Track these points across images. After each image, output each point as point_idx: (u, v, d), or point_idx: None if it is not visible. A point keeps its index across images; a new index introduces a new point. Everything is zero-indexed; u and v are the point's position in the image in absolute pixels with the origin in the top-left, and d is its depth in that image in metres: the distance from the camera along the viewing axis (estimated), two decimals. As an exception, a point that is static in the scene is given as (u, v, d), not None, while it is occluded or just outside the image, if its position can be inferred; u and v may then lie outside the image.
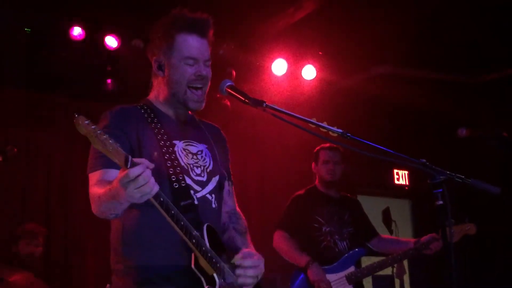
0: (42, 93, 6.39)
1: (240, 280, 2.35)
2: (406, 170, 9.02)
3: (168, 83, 2.50)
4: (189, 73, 2.45)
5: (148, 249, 2.32)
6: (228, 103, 6.72)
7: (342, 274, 4.53)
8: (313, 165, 4.94)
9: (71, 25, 5.70)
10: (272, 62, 6.69)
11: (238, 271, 2.35)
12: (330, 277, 4.48)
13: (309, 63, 6.83)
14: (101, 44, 5.91)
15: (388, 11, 5.94)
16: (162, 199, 2.08)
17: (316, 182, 4.93)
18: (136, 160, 1.96)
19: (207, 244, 2.25)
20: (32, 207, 6.01)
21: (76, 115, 1.85)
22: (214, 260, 2.25)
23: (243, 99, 2.45)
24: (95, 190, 2.24)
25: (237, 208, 2.76)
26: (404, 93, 7.34)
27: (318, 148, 4.92)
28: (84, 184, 2.43)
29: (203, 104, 2.54)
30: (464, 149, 6.94)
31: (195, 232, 2.18)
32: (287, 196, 4.95)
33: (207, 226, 2.33)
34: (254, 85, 6.72)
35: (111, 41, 5.91)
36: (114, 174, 2.18)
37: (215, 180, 2.54)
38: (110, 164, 2.19)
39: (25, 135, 6.18)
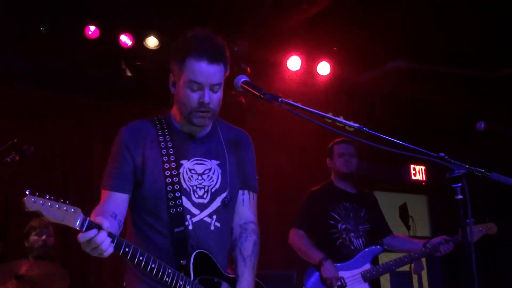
0: (59, 91, 6.43)
1: None
2: (423, 165, 8.95)
3: (177, 101, 2.56)
4: (192, 98, 2.47)
5: (140, 278, 2.48)
6: (243, 100, 6.72)
7: (358, 271, 4.51)
8: (327, 160, 4.91)
9: (86, 24, 5.72)
10: (287, 58, 6.67)
11: None
12: (345, 274, 4.46)
13: (323, 59, 6.80)
14: (115, 42, 5.93)
15: (403, 5, 5.90)
16: (127, 250, 2.18)
17: (332, 177, 4.89)
18: (94, 222, 2.09)
19: (191, 275, 2.38)
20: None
21: (28, 193, 1.97)
22: None
23: (259, 94, 2.43)
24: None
25: (252, 221, 2.72)
26: (420, 88, 7.30)
27: (331, 144, 4.90)
28: (101, 179, 2.55)
29: (209, 121, 2.56)
30: (483, 143, 6.88)
31: (169, 270, 2.30)
32: (303, 192, 4.92)
33: (196, 255, 2.43)
34: (269, 81, 6.71)
35: (125, 39, 5.93)
36: (117, 198, 2.43)
37: (220, 198, 2.56)
38: (117, 187, 2.44)
39: (42, 134, 6.22)
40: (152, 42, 6.07)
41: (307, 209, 4.76)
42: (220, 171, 2.59)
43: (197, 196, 2.50)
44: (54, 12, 5.63)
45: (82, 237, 2.06)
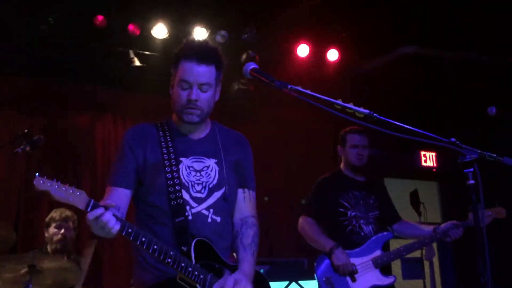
0: (68, 81, 6.46)
1: None
2: (433, 151, 8.92)
3: (171, 102, 2.76)
4: (181, 96, 2.67)
5: (149, 264, 2.63)
6: (252, 88, 6.71)
7: (368, 258, 4.50)
8: (339, 148, 4.87)
9: (95, 14, 5.73)
10: (296, 45, 6.65)
11: None
12: (356, 260, 4.46)
13: (332, 46, 6.77)
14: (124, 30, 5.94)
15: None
16: (130, 231, 2.34)
17: (341, 165, 4.87)
18: (101, 203, 2.28)
19: (193, 259, 2.52)
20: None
21: (37, 175, 2.17)
22: (196, 273, 2.49)
23: (268, 81, 2.45)
24: None
25: (252, 215, 2.89)
26: (430, 73, 7.24)
27: (345, 131, 4.84)
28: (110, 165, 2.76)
29: (197, 118, 2.70)
30: (494, 128, 6.83)
31: (172, 252, 2.44)
32: (313, 179, 4.91)
33: (197, 241, 2.57)
34: (278, 69, 6.68)
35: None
36: (120, 193, 2.62)
37: (217, 194, 2.72)
38: (120, 182, 2.64)
39: (53, 123, 6.26)
40: (160, 31, 6.05)
41: (317, 197, 4.75)
42: (217, 168, 2.76)
43: (195, 190, 2.67)
44: (63, 3, 5.63)
45: (90, 214, 2.22)
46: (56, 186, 2.19)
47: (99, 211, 2.24)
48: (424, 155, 8.87)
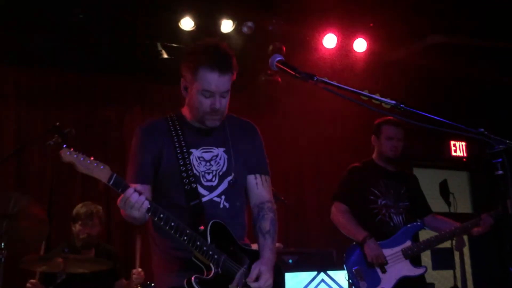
0: (98, 74, 6.54)
1: None
2: (463, 141, 8.81)
3: (189, 105, 2.83)
4: (205, 104, 2.73)
5: (165, 243, 2.73)
6: (279, 79, 6.71)
7: (398, 248, 4.48)
8: (373, 138, 4.80)
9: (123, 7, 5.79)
10: (322, 35, 6.61)
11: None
12: (386, 251, 4.44)
13: (360, 36, 6.72)
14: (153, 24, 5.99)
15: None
16: (149, 206, 2.44)
17: (374, 155, 4.83)
18: (121, 178, 2.41)
19: (208, 239, 2.58)
20: (91, 188, 6.20)
21: (64, 146, 2.26)
22: (210, 252, 2.57)
23: (294, 73, 2.45)
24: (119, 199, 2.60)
25: (268, 200, 2.93)
26: (459, 63, 7.14)
27: (380, 121, 4.76)
28: None
29: (219, 122, 2.82)
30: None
31: (188, 231, 2.52)
32: (341, 168, 4.90)
33: (213, 223, 2.64)
34: (305, 59, 6.67)
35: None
36: (140, 189, 2.57)
37: (227, 181, 2.80)
38: (139, 178, 2.72)
39: (83, 116, 6.36)
40: (187, 23, 6.08)
41: (348, 183, 4.73)
42: (226, 156, 2.84)
43: (205, 180, 2.76)
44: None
45: (128, 192, 2.37)
46: (81, 158, 2.27)
47: (130, 190, 2.38)
48: (454, 145, 8.77)
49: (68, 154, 2.25)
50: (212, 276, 2.56)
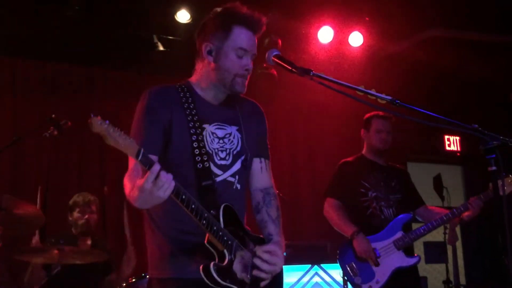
0: (94, 66, 6.54)
1: (255, 272, 2.53)
2: (457, 136, 8.85)
3: (217, 68, 2.62)
4: (238, 64, 2.59)
5: (173, 228, 2.55)
6: (275, 73, 6.72)
7: (390, 240, 4.51)
8: (362, 131, 4.87)
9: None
10: (318, 29, 6.61)
11: (255, 261, 2.54)
12: (377, 245, 4.48)
13: (355, 30, 6.73)
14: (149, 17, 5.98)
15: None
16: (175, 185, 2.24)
17: (364, 150, 4.88)
18: (148, 154, 2.16)
19: (221, 224, 2.43)
20: (87, 180, 6.22)
21: (92, 116, 2.00)
22: (225, 238, 2.42)
23: (290, 68, 2.48)
24: (126, 184, 2.44)
25: (273, 186, 2.85)
26: (454, 57, 7.16)
27: (370, 115, 4.81)
28: None
29: (245, 89, 2.67)
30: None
31: (206, 214, 2.35)
32: (336, 163, 4.93)
33: (224, 207, 2.48)
34: (301, 53, 6.68)
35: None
36: None
37: (240, 160, 2.67)
38: (148, 149, 2.30)
39: (79, 108, 6.35)
40: (183, 16, 6.08)
41: (340, 178, 4.77)
42: (239, 135, 2.70)
43: (219, 158, 2.60)
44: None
45: (155, 169, 2.11)
46: (112, 130, 2.04)
47: (157, 167, 2.13)
48: (448, 139, 8.81)
49: (99, 124, 2.00)
50: (227, 263, 2.41)
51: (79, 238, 4.89)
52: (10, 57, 6.20)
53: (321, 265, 5.74)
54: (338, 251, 4.61)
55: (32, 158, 6.01)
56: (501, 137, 2.18)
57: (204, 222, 2.33)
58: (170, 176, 2.15)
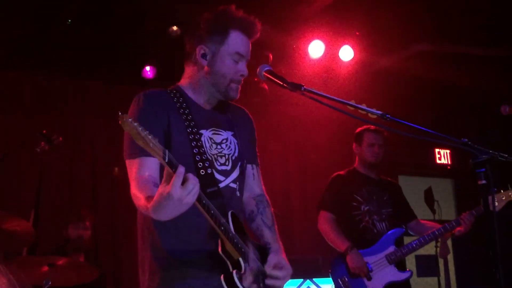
0: (85, 79, 6.53)
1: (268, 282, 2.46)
2: (448, 149, 8.89)
3: (211, 72, 2.56)
4: (234, 69, 2.54)
5: (173, 236, 2.41)
6: (266, 87, 6.73)
7: (382, 254, 4.53)
8: (354, 145, 4.90)
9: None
10: (309, 43, 6.65)
11: (268, 281, 2.46)
12: (369, 259, 4.48)
13: (346, 44, 6.77)
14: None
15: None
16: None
17: (356, 164, 4.90)
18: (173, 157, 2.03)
19: (233, 230, 2.34)
20: (79, 194, 6.19)
21: (121, 113, 1.90)
22: (239, 245, 2.32)
23: (282, 83, 2.48)
24: (138, 196, 2.26)
25: (265, 193, 2.78)
26: (444, 70, 7.21)
27: (361, 129, 4.86)
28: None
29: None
30: (508, 127, 6.79)
31: (223, 220, 2.25)
32: (327, 176, 4.95)
33: (232, 213, 2.41)
34: (291, 67, 6.70)
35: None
36: (151, 163, 2.32)
37: (239, 166, 2.60)
38: (147, 152, 2.10)
39: (70, 122, 6.34)
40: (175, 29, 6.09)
41: (332, 192, 4.79)
42: (235, 141, 2.64)
43: (219, 164, 2.52)
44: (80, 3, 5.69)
45: (180, 172, 1.95)
46: (140, 128, 1.91)
47: (182, 169, 1.96)
48: (439, 153, 8.85)
49: (129, 122, 1.89)
50: (244, 271, 2.31)
51: (72, 255, 4.85)
52: (0, 71, 6.18)
53: (313, 279, 5.73)
54: (330, 265, 4.61)
55: (23, 173, 5.97)
56: (491, 151, 2.19)
57: (222, 228, 2.23)
58: (196, 178, 2.00)
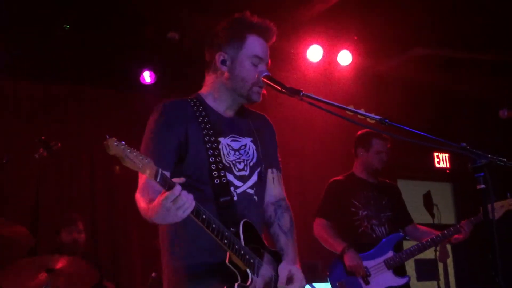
0: (84, 85, 6.52)
1: None
2: (446, 153, 8.89)
3: (232, 78, 2.61)
4: (254, 73, 2.58)
5: (188, 249, 2.47)
6: (265, 92, 6.73)
7: (381, 259, 4.52)
8: (360, 150, 4.84)
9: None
10: (307, 48, 6.66)
11: None
12: (368, 263, 4.48)
13: (344, 49, 6.78)
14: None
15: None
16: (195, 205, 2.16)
17: (354, 168, 4.89)
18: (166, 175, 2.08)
19: (242, 242, 2.36)
20: (78, 200, 6.18)
21: (108, 137, 1.92)
22: (247, 256, 2.35)
23: (280, 89, 2.50)
24: (140, 199, 2.35)
25: (284, 198, 2.81)
26: (442, 75, 7.23)
27: (367, 134, 4.79)
28: (128, 174, 2.43)
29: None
30: (507, 131, 6.80)
31: (227, 233, 2.28)
32: (326, 182, 4.93)
33: (244, 223, 2.42)
34: (290, 72, 6.71)
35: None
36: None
37: (257, 172, 2.63)
38: (161, 164, 2.16)
39: (69, 128, 6.33)
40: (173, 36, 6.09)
41: (330, 197, 4.78)
42: (254, 147, 2.67)
43: (237, 169, 2.56)
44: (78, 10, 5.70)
45: (176, 190, 2.04)
46: (129, 150, 1.94)
47: (177, 189, 2.04)
48: (438, 156, 8.85)
49: (115, 145, 1.90)
50: (250, 283, 2.34)
51: (68, 259, 4.83)
52: (-1, 78, 6.19)
53: (313, 284, 5.71)
54: (328, 267, 4.60)
55: (21, 179, 5.95)
56: (489, 155, 2.20)
57: (226, 241, 2.26)
58: (191, 196, 2.09)
